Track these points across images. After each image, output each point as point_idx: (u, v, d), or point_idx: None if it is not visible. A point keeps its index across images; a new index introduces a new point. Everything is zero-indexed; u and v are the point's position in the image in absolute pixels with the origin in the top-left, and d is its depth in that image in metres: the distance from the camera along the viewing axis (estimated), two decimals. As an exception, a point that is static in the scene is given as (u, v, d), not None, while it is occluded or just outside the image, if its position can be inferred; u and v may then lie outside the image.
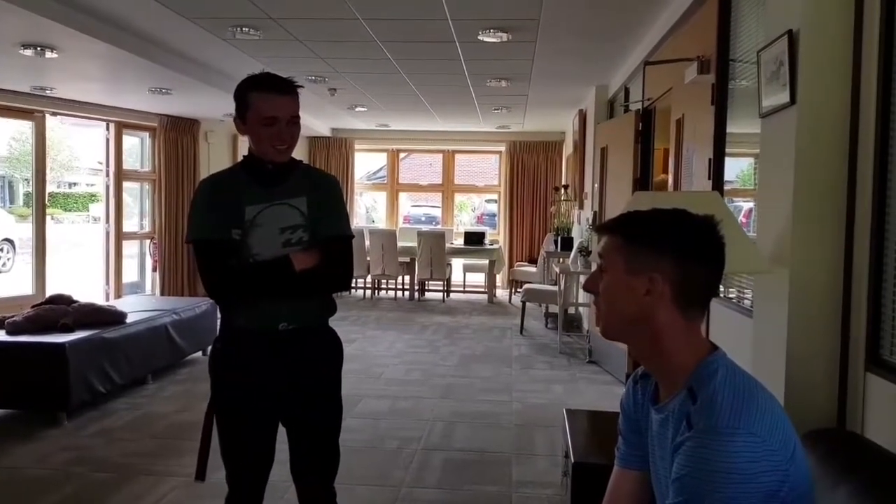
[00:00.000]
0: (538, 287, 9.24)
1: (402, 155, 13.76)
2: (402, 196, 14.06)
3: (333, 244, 2.43)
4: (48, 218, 8.47)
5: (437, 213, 14.12)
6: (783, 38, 2.37)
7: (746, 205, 3.77)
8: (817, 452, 1.81)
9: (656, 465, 1.52)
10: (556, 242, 9.71)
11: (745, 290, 3.22)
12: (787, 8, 2.42)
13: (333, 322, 2.57)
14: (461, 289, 12.18)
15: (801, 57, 2.29)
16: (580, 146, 9.11)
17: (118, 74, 6.85)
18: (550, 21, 5.25)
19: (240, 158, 2.52)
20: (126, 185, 9.28)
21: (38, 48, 5.41)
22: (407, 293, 11.46)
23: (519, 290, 10.37)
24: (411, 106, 9.63)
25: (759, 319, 2.64)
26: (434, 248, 10.83)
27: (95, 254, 9.63)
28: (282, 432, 2.52)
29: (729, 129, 3.71)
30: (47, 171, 8.39)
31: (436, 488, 4.00)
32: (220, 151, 10.29)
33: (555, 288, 8.53)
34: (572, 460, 2.83)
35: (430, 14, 5.12)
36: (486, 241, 11.69)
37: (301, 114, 2.41)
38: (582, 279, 7.68)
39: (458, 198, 14.48)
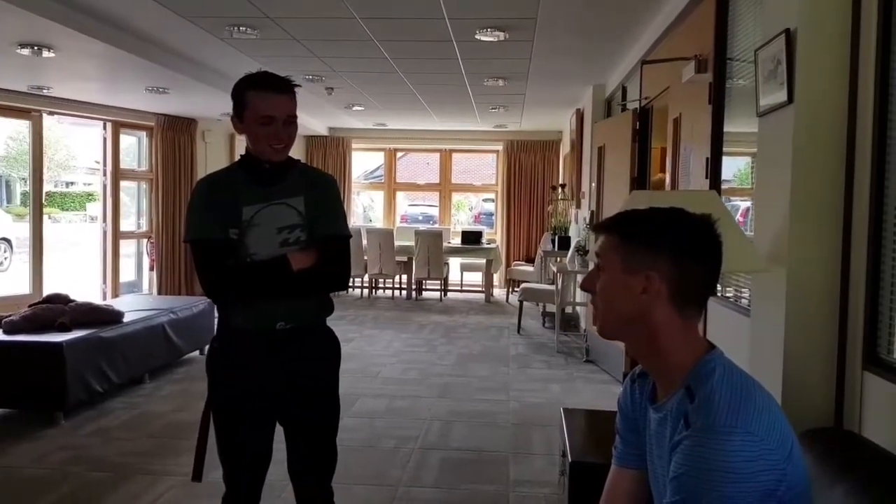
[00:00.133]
0: (535, 286, 9.24)
1: (399, 154, 13.75)
2: (400, 195, 14.06)
3: (331, 243, 2.43)
4: (45, 217, 8.46)
5: (435, 212, 14.12)
6: (781, 37, 2.37)
7: (744, 204, 3.78)
8: (815, 451, 1.81)
9: (654, 463, 1.52)
10: (553, 242, 9.71)
11: (743, 290, 3.22)
12: (784, 7, 2.42)
13: (331, 321, 2.57)
14: (458, 288, 12.17)
15: (799, 56, 2.29)
16: (577, 145, 9.11)
17: (115, 74, 6.84)
18: (548, 20, 5.25)
19: (237, 158, 2.51)
20: (123, 184, 9.27)
21: (36, 47, 5.40)
22: (404, 292, 11.46)
23: (516, 289, 10.37)
24: (408, 105, 9.63)
25: (757, 318, 2.64)
26: (431, 247, 10.83)
27: (92, 253, 9.63)
28: (279, 431, 2.51)
29: (726, 129, 3.71)
30: (44, 170, 8.38)
31: (433, 487, 4.00)
32: (217, 151, 10.29)
33: (552, 287, 8.54)
34: (569, 459, 2.82)
35: (427, 13, 5.12)
36: (484, 240, 11.69)
37: (298, 113, 2.40)
38: (579, 278, 7.69)
39: (456, 197, 14.48)
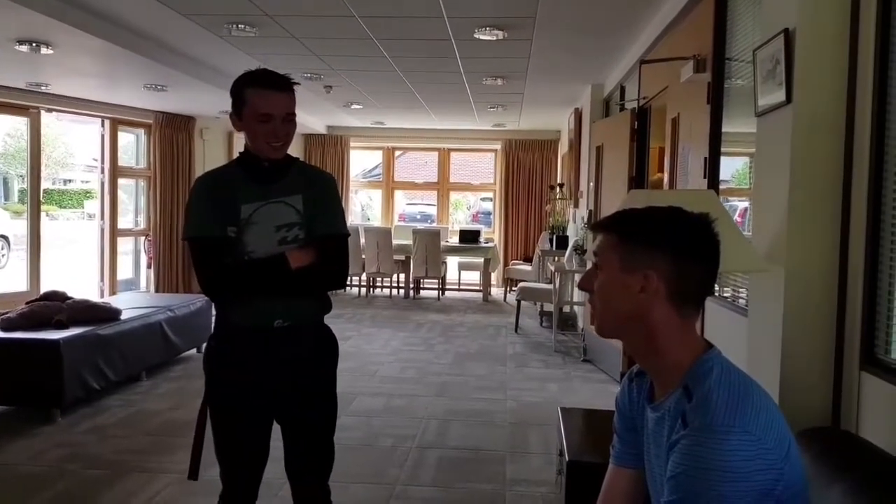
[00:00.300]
0: (533, 285, 9.24)
1: (397, 153, 13.75)
2: (398, 194, 14.05)
3: (329, 242, 2.42)
4: (43, 214, 8.44)
5: (433, 211, 14.12)
6: (779, 37, 2.37)
7: (742, 204, 3.78)
8: (812, 451, 1.81)
9: (651, 463, 1.52)
10: (551, 241, 9.71)
11: (741, 290, 3.22)
12: (783, 6, 2.42)
13: (328, 319, 2.57)
14: (456, 287, 12.17)
15: (798, 55, 2.29)
16: (576, 145, 9.11)
17: (114, 71, 6.83)
18: (547, 19, 5.25)
19: (235, 155, 2.51)
20: (121, 181, 9.26)
21: (34, 44, 5.39)
22: (402, 291, 11.46)
23: (514, 288, 10.37)
24: (407, 104, 9.62)
25: (755, 318, 2.64)
26: (429, 246, 10.82)
27: (90, 250, 9.62)
28: (275, 429, 2.51)
29: (724, 128, 3.71)
30: (42, 167, 8.38)
31: (430, 486, 4.00)
32: (215, 148, 10.29)
33: (550, 286, 8.54)
34: (567, 458, 2.82)
35: (426, 12, 5.12)
36: (482, 239, 11.70)
37: (297, 111, 2.40)
38: (577, 277, 7.68)
39: (454, 196, 14.48)
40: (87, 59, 6.16)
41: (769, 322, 2.42)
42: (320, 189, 2.48)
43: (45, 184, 10.12)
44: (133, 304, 6.44)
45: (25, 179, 8.29)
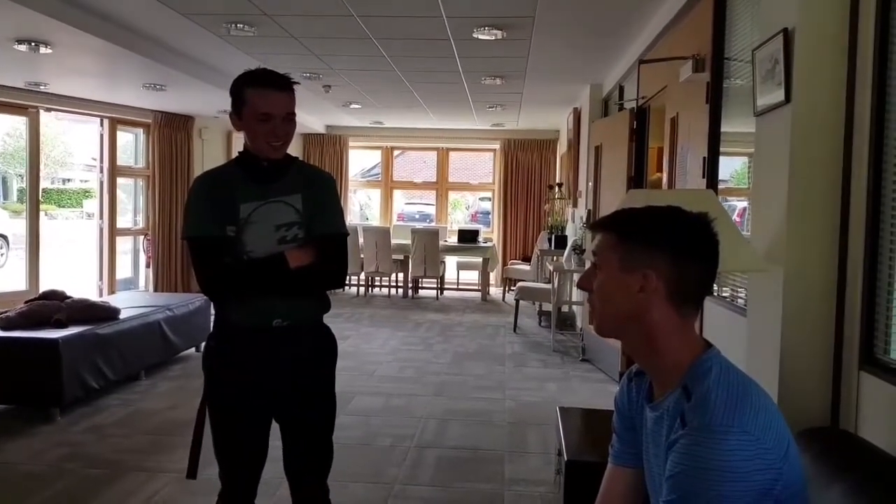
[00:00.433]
0: (532, 285, 9.24)
1: (396, 152, 13.75)
2: (397, 193, 14.05)
3: (328, 241, 2.42)
4: (42, 214, 8.43)
5: (432, 210, 14.12)
6: (778, 37, 2.37)
7: (740, 204, 3.78)
8: (811, 451, 1.81)
9: (650, 462, 1.52)
10: (550, 240, 9.72)
11: (739, 289, 3.22)
12: (782, 6, 2.42)
13: (327, 319, 2.56)
14: (455, 286, 12.17)
15: (797, 55, 2.29)
16: (574, 144, 9.12)
17: (113, 70, 6.83)
18: (546, 19, 5.25)
19: (234, 155, 2.51)
20: (120, 181, 9.25)
21: (33, 43, 5.39)
22: (401, 290, 11.45)
23: (513, 288, 10.38)
24: (406, 103, 9.62)
25: (754, 318, 2.64)
26: (428, 245, 10.82)
27: (89, 250, 9.61)
28: (275, 429, 2.51)
29: (723, 128, 3.71)
30: (41, 166, 8.37)
31: (429, 485, 4.00)
32: (214, 148, 10.28)
33: (548, 286, 8.54)
34: (565, 458, 2.82)
35: (425, 11, 5.12)
36: (480, 238, 11.69)
37: (296, 110, 2.40)
38: (576, 277, 7.67)
39: (453, 195, 14.49)
40: (87, 58, 6.16)
41: (768, 322, 2.42)
42: (319, 188, 2.47)
43: (44, 183, 10.12)
44: (132, 303, 6.43)
45: (24, 179, 8.28)
